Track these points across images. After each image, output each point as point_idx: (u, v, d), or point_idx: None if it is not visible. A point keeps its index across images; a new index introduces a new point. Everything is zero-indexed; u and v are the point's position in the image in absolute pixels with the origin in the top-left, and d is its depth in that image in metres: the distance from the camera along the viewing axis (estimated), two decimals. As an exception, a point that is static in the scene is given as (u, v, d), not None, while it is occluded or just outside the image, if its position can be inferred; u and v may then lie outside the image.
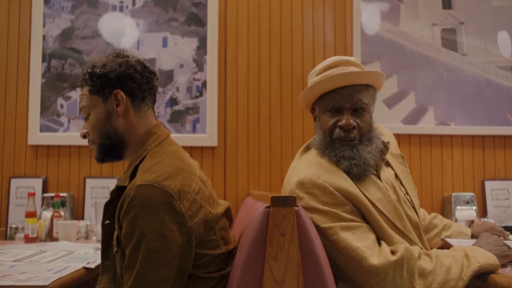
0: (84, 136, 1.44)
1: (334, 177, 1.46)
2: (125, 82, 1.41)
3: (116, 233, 1.31)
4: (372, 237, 1.41)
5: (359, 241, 1.38)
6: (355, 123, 1.52)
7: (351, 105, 1.53)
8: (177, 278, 1.25)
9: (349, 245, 1.37)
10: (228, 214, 1.50)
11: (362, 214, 1.45)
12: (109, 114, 1.41)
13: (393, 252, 1.37)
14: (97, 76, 1.40)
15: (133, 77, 1.41)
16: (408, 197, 1.62)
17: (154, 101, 1.50)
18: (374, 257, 1.35)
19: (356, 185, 1.47)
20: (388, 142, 1.63)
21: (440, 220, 1.89)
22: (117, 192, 1.35)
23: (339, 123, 1.52)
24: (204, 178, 1.43)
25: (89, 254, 1.81)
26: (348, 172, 1.49)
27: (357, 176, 1.50)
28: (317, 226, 1.39)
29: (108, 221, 1.39)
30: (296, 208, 1.21)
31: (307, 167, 1.50)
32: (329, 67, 1.56)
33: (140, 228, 1.22)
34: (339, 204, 1.43)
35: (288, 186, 1.49)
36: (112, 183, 2.61)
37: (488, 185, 2.76)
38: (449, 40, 2.83)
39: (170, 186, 1.26)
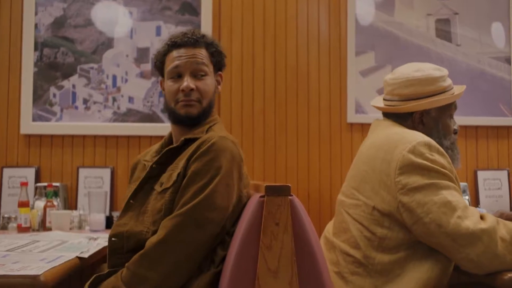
0: (191, 89, 1.53)
1: None
2: (222, 70, 1.68)
3: (176, 172, 1.42)
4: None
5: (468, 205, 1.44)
6: None
7: None
8: (219, 231, 1.36)
9: (457, 199, 1.42)
10: None
11: None
12: (214, 87, 1.62)
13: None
14: (220, 54, 1.62)
15: None
16: None
17: None
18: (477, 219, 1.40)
19: None
20: None
21: None
22: (185, 143, 1.50)
23: (455, 128, 1.73)
24: None
25: (82, 244, 1.81)
26: None
27: None
28: (423, 182, 1.43)
29: (155, 165, 1.51)
30: (290, 197, 1.21)
31: (424, 135, 1.56)
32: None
33: (214, 170, 1.36)
34: (454, 177, 1.50)
35: (406, 144, 1.50)
36: (105, 173, 2.61)
37: (481, 175, 2.78)
38: (443, 31, 2.82)
39: (241, 152, 1.47)
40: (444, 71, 1.71)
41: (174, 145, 1.54)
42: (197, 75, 1.55)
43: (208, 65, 1.58)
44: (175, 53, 1.56)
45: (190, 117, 1.54)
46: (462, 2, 2.84)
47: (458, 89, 1.74)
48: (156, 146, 1.69)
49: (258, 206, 1.21)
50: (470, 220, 1.37)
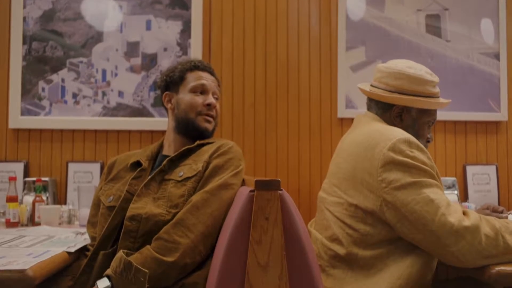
0: (214, 106, 1.83)
1: None
2: None
3: (199, 165, 1.62)
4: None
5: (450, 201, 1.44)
6: None
7: None
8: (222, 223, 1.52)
9: (439, 197, 1.42)
10: None
11: None
12: None
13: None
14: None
15: None
16: None
17: None
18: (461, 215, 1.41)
19: None
20: None
21: None
22: (197, 147, 1.73)
23: (429, 136, 1.76)
24: None
25: (69, 239, 1.80)
26: None
27: None
28: (404, 181, 1.44)
29: (168, 162, 1.67)
30: (280, 192, 1.21)
31: (404, 132, 1.57)
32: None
33: (234, 166, 1.64)
34: (435, 173, 1.50)
35: (386, 141, 1.51)
36: (95, 167, 2.59)
37: (470, 169, 2.80)
38: (433, 26, 2.83)
39: None
40: (435, 78, 1.72)
41: (188, 147, 1.73)
42: (214, 97, 1.83)
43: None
44: (200, 73, 1.83)
45: (206, 131, 1.79)
46: (452, -2, 2.85)
47: (443, 100, 1.76)
48: (139, 151, 1.85)
49: (248, 200, 1.21)
50: (454, 217, 1.38)
